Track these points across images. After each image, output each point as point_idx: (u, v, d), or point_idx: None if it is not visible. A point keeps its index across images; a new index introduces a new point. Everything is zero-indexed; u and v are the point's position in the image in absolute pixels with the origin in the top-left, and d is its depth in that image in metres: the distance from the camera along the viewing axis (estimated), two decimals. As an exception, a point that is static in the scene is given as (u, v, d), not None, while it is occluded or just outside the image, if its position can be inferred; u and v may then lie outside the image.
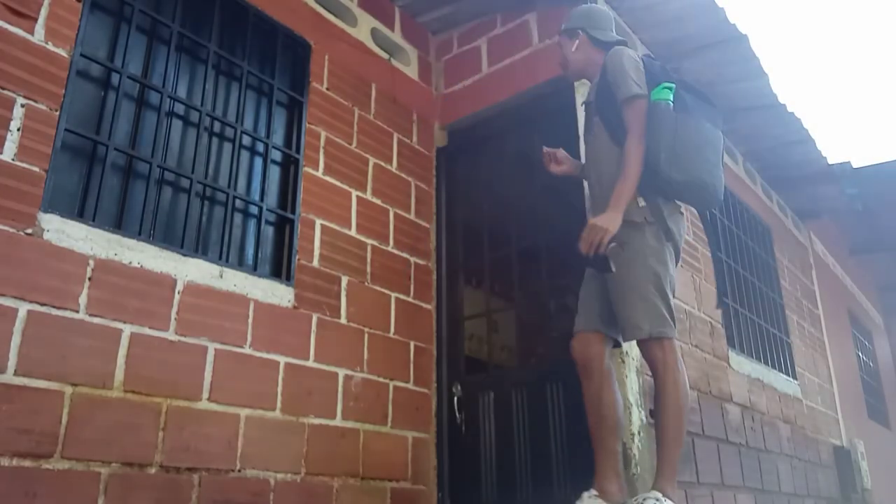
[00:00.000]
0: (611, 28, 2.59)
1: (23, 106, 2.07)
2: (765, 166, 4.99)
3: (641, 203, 2.23)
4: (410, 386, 3.16)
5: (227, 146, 2.78)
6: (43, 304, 1.98)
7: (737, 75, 3.81)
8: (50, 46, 2.18)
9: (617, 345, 2.43)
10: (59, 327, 2.01)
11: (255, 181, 2.85)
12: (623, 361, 2.66)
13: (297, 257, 2.79)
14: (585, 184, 2.97)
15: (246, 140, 2.85)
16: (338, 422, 2.74)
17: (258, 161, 2.88)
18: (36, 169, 2.07)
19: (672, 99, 2.23)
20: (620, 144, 2.27)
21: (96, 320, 2.09)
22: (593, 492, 2.19)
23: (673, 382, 2.16)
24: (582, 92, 3.11)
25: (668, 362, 2.17)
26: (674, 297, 2.27)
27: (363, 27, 3.46)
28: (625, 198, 2.17)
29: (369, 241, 3.13)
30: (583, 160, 2.76)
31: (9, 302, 1.92)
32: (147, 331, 2.22)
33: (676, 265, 2.31)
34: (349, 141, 3.19)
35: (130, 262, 2.23)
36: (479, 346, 4.21)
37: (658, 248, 2.21)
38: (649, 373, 2.73)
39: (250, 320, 2.53)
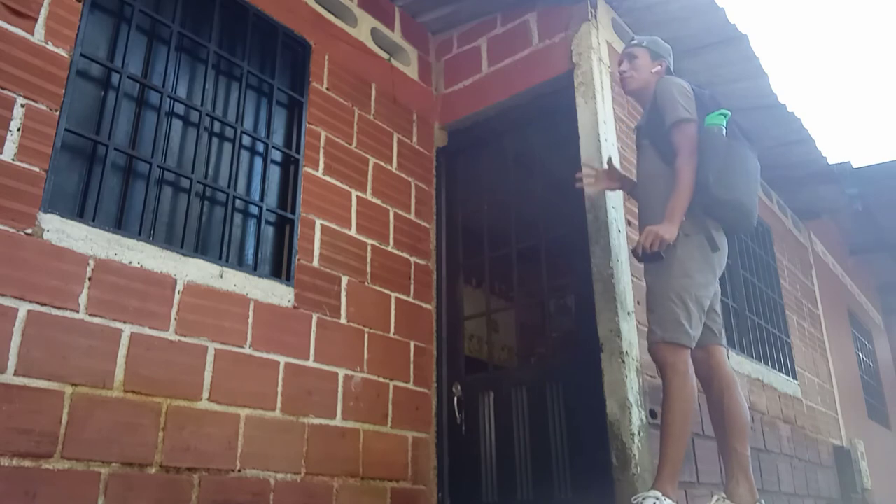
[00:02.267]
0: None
1: (23, 106, 2.07)
2: (765, 166, 4.91)
3: (683, 217, 2.34)
4: (410, 386, 3.15)
5: (227, 146, 2.78)
6: (43, 304, 1.98)
7: (737, 75, 3.81)
8: (50, 46, 2.18)
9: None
10: (59, 327, 2.01)
11: (255, 181, 2.85)
12: (623, 361, 2.66)
13: (297, 257, 2.79)
14: (585, 185, 2.98)
15: (246, 140, 2.85)
16: (338, 422, 2.74)
17: (258, 161, 2.88)
18: (36, 169, 2.07)
19: (725, 125, 2.38)
20: (669, 164, 2.40)
21: (96, 320, 2.09)
22: (722, 494, 2.29)
23: (679, 387, 2.23)
24: (582, 92, 3.12)
25: (677, 367, 2.24)
26: (704, 308, 2.34)
27: (363, 27, 3.46)
28: (679, 211, 2.31)
29: (369, 241, 3.13)
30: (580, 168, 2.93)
31: (9, 302, 1.92)
32: (147, 331, 2.21)
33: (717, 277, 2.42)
34: (349, 141, 3.19)
35: (130, 262, 2.23)
36: (479, 346, 4.22)
37: (684, 261, 2.32)
38: (650, 373, 2.74)
39: (250, 320, 2.53)
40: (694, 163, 2.34)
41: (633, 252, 2.41)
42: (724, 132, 2.36)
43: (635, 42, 2.71)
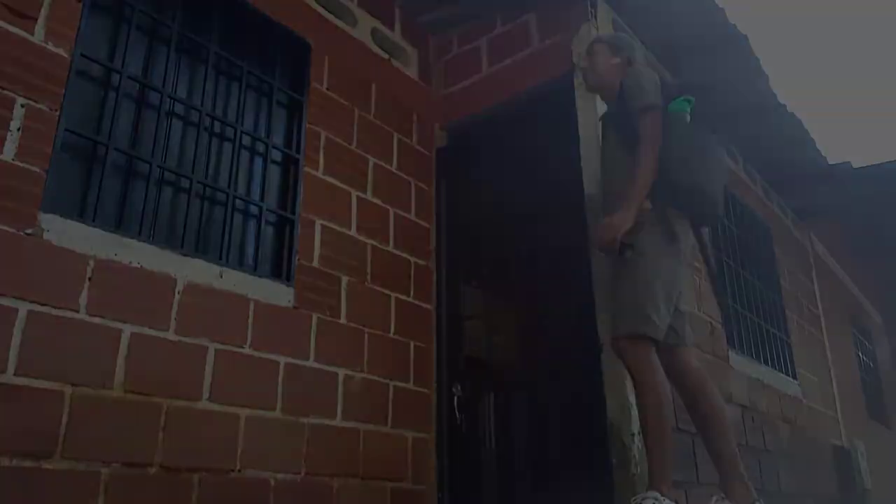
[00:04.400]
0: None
1: (23, 106, 2.07)
2: (765, 166, 4.99)
3: (647, 205, 2.29)
4: (410, 386, 3.15)
5: (227, 146, 2.78)
6: (43, 304, 1.98)
7: (737, 75, 3.81)
8: (50, 46, 2.18)
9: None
10: (59, 327, 2.00)
11: (255, 181, 2.85)
12: (623, 361, 2.65)
13: (297, 257, 2.79)
14: (585, 185, 2.99)
15: (246, 140, 2.85)
16: (338, 422, 2.74)
17: (258, 161, 2.88)
18: (36, 169, 2.07)
19: (690, 111, 2.35)
20: (633, 152, 2.33)
21: (96, 320, 2.09)
22: (721, 495, 2.24)
23: (650, 382, 2.20)
24: (582, 93, 3.12)
25: (643, 361, 2.20)
26: (675, 302, 2.31)
27: (363, 27, 3.46)
28: (635, 199, 2.24)
29: (369, 242, 3.13)
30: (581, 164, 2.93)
31: (9, 302, 1.91)
32: (147, 331, 2.21)
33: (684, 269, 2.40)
34: (349, 141, 3.19)
35: (130, 262, 2.23)
36: (479, 346, 4.21)
37: (653, 253, 2.27)
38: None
39: (250, 320, 2.53)
40: (656, 151, 2.28)
41: (601, 250, 2.34)
42: (688, 118, 2.33)
43: (594, 39, 2.73)
